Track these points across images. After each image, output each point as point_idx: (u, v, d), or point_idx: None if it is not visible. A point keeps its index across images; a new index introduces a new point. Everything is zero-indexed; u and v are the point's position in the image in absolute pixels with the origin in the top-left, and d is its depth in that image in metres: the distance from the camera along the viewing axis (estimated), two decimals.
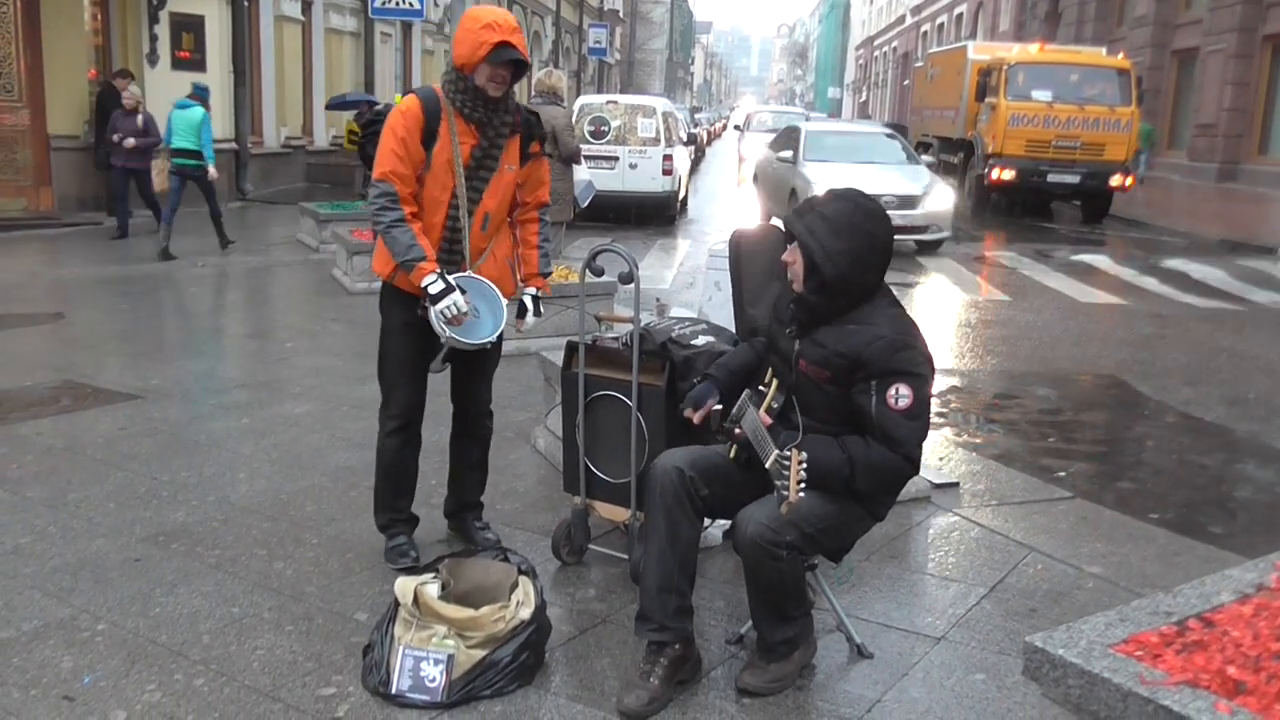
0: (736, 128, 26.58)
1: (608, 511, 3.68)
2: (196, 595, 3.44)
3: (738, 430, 2.90)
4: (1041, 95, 18.34)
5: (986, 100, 19.19)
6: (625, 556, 3.64)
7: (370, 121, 3.43)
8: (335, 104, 17.36)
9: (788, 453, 2.52)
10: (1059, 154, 18.23)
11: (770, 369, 3.02)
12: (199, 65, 15.34)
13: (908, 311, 2.91)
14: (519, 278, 3.75)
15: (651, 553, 2.89)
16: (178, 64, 15.12)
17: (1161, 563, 3.87)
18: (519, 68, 3.39)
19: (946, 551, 3.93)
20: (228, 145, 15.85)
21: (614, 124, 15.52)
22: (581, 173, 10.14)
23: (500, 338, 3.60)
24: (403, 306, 3.52)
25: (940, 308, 9.98)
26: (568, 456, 3.78)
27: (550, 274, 3.81)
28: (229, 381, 6.29)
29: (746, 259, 3.94)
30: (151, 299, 8.94)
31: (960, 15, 50.63)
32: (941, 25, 54.82)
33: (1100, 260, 13.58)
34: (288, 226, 13.50)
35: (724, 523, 3.46)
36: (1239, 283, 11.78)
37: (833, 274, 2.77)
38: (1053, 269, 12.49)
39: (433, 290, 3.34)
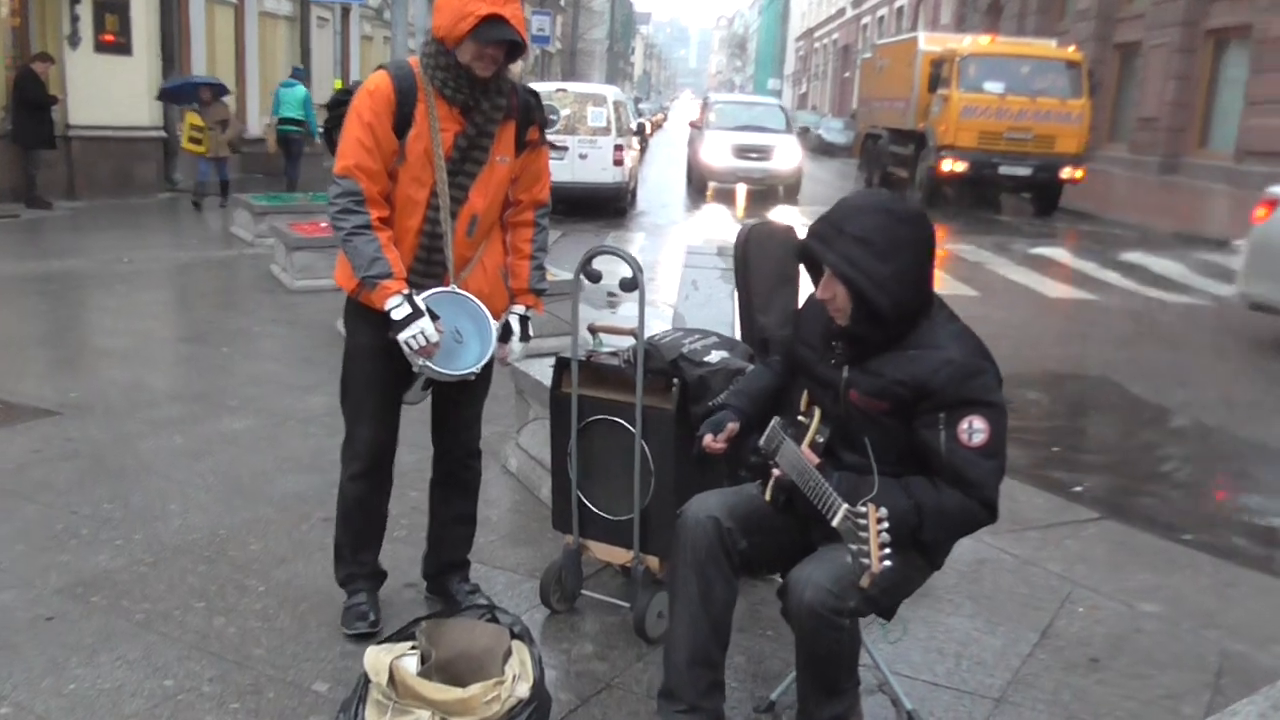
0: (693, 125, 22.98)
1: (605, 553, 3.20)
2: (121, 664, 2.89)
3: (775, 469, 2.44)
4: (994, 87, 18.17)
5: (939, 92, 18.97)
6: (625, 604, 3.16)
7: (337, 103, 2.89)
8: (169, 92, 14.41)
9: (862, 509, 2.06)
10: (1011, 146, 18.09)
11: (805, 394, 2.56)
12: (124, 49, 14.50)
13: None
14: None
15: (681, 618, 2.43)
16: (101, 47, 14.27)
17: (1217, 596, 3.50)
18: (514, 48, 2.81)
19: (981, 587, 3.51)
20: (155, 133, 15.04)
21: (563, 113, 14.98)
22: None
23: (491, 362, 3.04)
24: (371, 325, 2.91)
25: None
26: (558, 489, 3.29)
27: (545, 290, 3.18)
28: (159, 393, 5.68)
29: (755, 260, 3.48)
30: (72, 299, 8.22)
31: (901, 8, 50.75)
32: (882, 18, 54.93)
33: (1059, 254, 13.39)
34: (220, 219, 12.78)
35: None
36: (1200, 277, 11.63)
37: (888, 305, 2.31)
38: (1015, 263, 12.23)
39: (396, 316, 2.77)
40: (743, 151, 19.37)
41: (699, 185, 20.26)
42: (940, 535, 2.31)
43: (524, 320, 3.10)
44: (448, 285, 2.93)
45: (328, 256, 8.52)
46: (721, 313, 5.82)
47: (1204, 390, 6.65)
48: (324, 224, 9.17)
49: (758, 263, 3.46)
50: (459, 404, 3.13)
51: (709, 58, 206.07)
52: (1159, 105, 25.58)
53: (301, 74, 16.12)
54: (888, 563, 2.01)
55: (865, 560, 2.01)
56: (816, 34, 77.14)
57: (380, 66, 3.01)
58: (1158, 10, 25.67)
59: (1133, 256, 13.03)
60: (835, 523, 2.15)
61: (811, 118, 33.44)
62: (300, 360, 6.39)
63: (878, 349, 2.38)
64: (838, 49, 66.49)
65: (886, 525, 2.03)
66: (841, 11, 65.74)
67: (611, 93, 16.47)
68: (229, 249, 10.87)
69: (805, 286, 3.18)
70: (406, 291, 2.80)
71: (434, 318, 2.82)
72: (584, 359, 3.13)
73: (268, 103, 19.26)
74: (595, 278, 3.04)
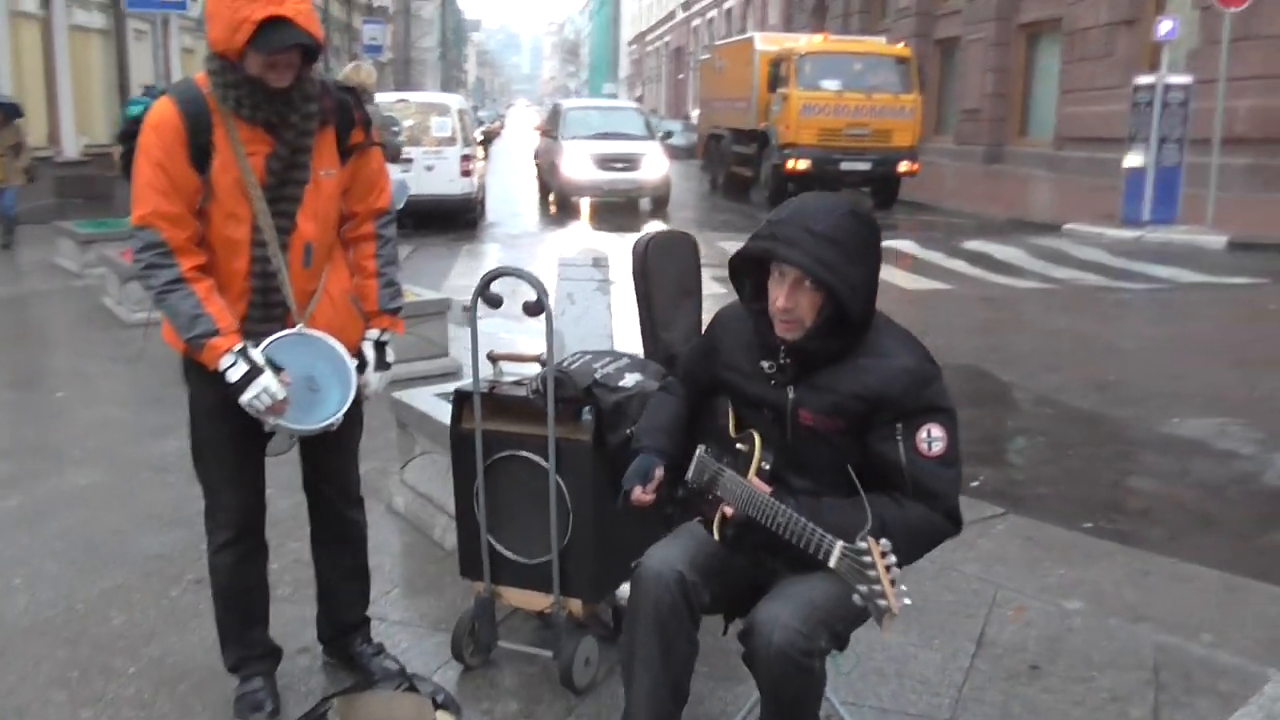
0: (546, 133, 21.19)
1: (520, 599, 2.96)
2: None
3: (722, 504, 2.26)
4: (830, 85, 18.57)
5: (778, 91, 19.26)
6: (546, 652, 2.92)
7: (128, 134, 2.42)
8: None
9: (862, 544, 1.90)
10: (851, 142, 18.52)
11: (731, 418, 2.39)
12: None
13: None
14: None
15: (641, 681, 2.21)
16: None
17: (1136, 586, 3.50)
18: (308, 51, 2.45)
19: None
20: None
21: (405, 124, 14.51)
22: (395, 173, 9.26)
23: (359, 402, 2.74)
24: (213, 382, 2.53)
25: None
26: (464, 534, 3.02)
27: (400, 309, 2.84)
28: None
29: (656, 271, 3.30)
30: None
31: (730, 10, 51.70)
32: (712, 20, 55.85)
33: (906, 245, 13.70)
34: (40, 249, 11.81)
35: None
36: (1041, 261, 12.07)
37: (859, 311, 2.17)
38: None
39: (232, 377, 2.43)
40: (606, 162, 17.70)
41: (560, 201, 18.60)
42: (910, 553, 2.18)
43: (381, 346, 2.78)
44: (292, 327, 2.59)
45: None
46: (599, 325, 5.63)
47: (1071, 374, 6.82)
48: None
49: (659, 275, 3.28)
50: (330, 450, 2.81)
51: (542, 64, 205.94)
52: (980, 97, 26.75)
53: (157, 92, 14.84)
54: (907, 600, 1.86)
55: (882, 602, 1.85)
56: (648, 37, 77.88)
57: (162, 92, 2.66)
58: (973, 7, 26.84)
59: (974, 245, 13.46)
60: (832, 563, 1.97)
61: (673, 124, 32.93)
62: (148, 401, 5.87)
63: (825, 363, 2.23)
64: (670, 51, 67.31)
65: (894, 560, 1.88)
66: (672, 15, 66.57)
67: (455, 101, 16.09)
68: (52, 282, 10.06)
69: (714, 301, 3.03)
70: (239, 346, 2.47)
71: (277, 369, 2.50)
72: (486, 391, 2.89)
73: (85, 122, 18.12)
74: (496, 303, 2.80)
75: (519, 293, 2.84)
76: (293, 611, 3.23)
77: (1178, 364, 6.92)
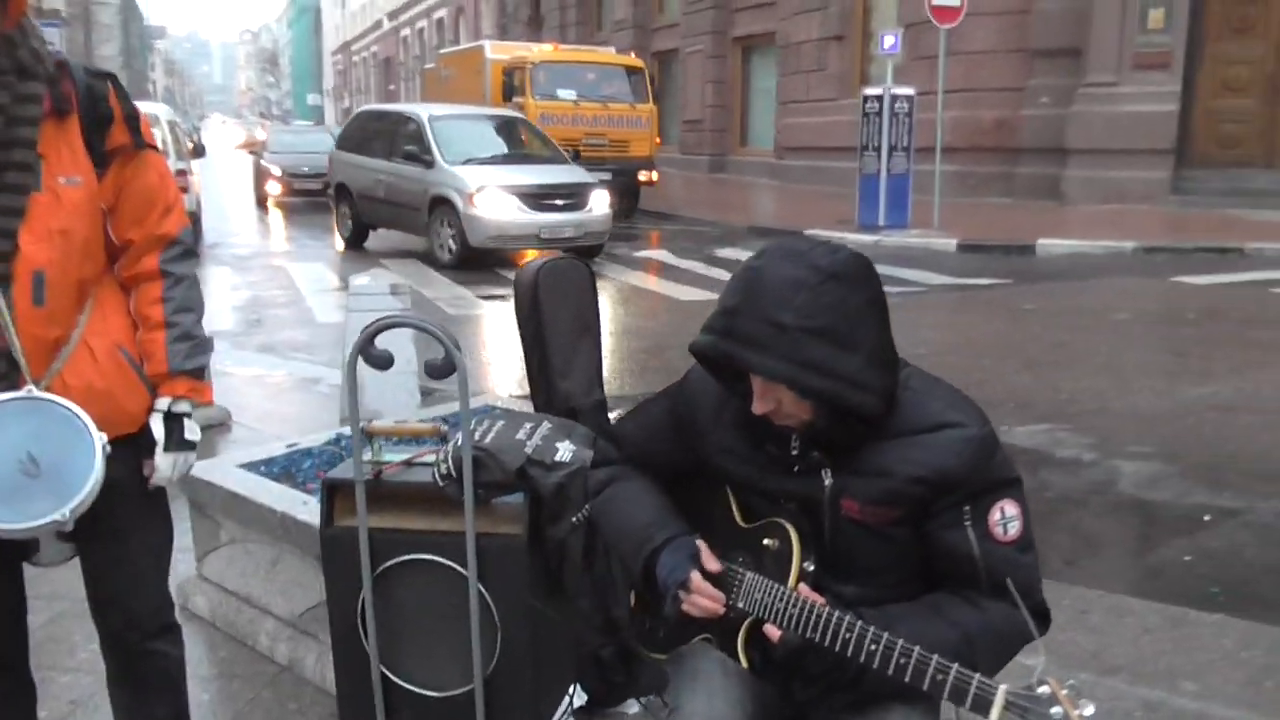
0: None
1: None
2: None
3: (767, 625, 1.72)
4: (566, 94, 18.34)
5: (514, 100, 18.79)
6: None
7: None
8: None
9: (1042, 689, 1.42)
10: (590, 152, 18.30)
11: (734, 506, 1.87)
12: None
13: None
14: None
15: None
16: None
17: (1082, 628, 3.25)
18: None
19: None
20: None
21: None
22: None
23: (161, 499, 2.05)
24: None
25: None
26: (343, 665, 2.31)
27: (203, 369, 2.10)
28: None
29: (550, 308, 2.70)
30: None
31: (441, 20, 50.73)
32: (422, 30, 54.63)
33: (662, 255, 13.60)
34: None
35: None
36: None
37: (874, 402, 1.67)
38: (628, 267, 12.23)
39: None
40: (541, 200, 12.21)
41: (461, 257, 12.16)
42: (996, 661, 1.73)
43: (176, 419, 2.03)
44: (23, 388, 1.85)
45: None
46: (400, 361, 4.86)
47: None
48: None
49: (553, 312, 2.69)
50: (108, 559, 2.05)
51: (236, 73, 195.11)
52: (700, 109, 27.50)
53: None
54: None
55: None
56: (354, 47, 75.32)
57: None
58: (689, 20, 27.55)
59: (727, 252, 13.51)
60: (994, 715, 1.47)
61: None
62: None
63: (860, 442, 1.74)
64: (379, 61, 65.36)
65: (1090, 712, 1.41)
66: (379, 24, 64.67)
67: (164, 111, 14.47)
68: None
69: (627, 336, 2.47)
70: None
71: None
72: (372, 477, 2.20)
73: None
74: (384, 363, 2.13)
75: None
76: None
77: (974, 368, 6.99)
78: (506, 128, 14.84)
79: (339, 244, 14.98)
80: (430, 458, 2.23)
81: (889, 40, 14.62)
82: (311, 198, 20.29)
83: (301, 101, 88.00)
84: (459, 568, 2.15)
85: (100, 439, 1.85)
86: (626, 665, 2.21)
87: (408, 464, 2.24)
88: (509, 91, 19.09)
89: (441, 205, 12.37)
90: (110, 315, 1.99)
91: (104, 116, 1.90)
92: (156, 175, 2.04)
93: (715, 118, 27.26)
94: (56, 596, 3.13)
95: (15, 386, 1.82)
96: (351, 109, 73.39)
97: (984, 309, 9.67)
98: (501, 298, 10.24)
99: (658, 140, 20.16)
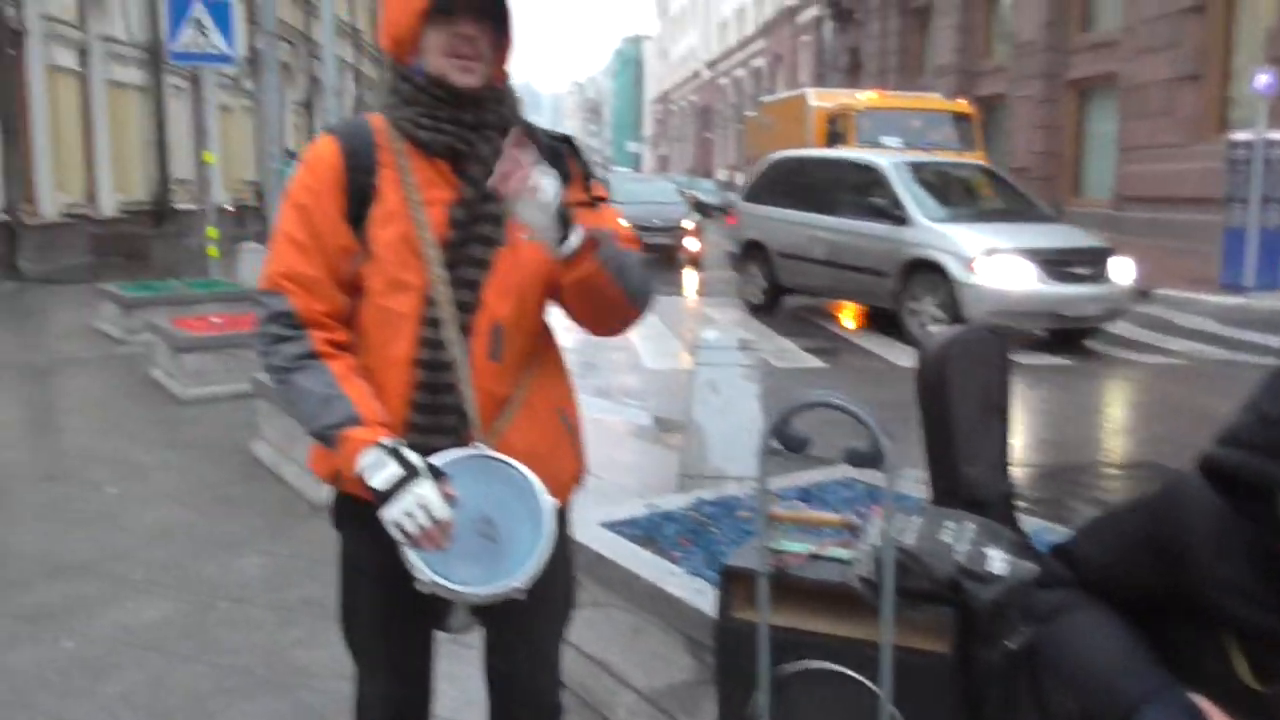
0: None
1: None
2: None
3: None
4: (891, 141, 17.96)
5: (836, 148, 18.63)
6: None
7: None
8: None
9: None
10: None
11: (1224, 656, 1.52)
12: None
13: None
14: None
15: None
16: None
17: None
18: (499, 21, 1.82)
19: None
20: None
21: None
22: None
23: (569, 575, 2.00)
24: (368, 531, 1.79)
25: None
26: None
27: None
28: (27, 564, 4.27)
29: (957, 383, 2.44)
30: None
31: (758, 69, 51.54)
32: (739, 79, 55.73)
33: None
34: (78, 312, 11.06)
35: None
36: (1148, 330, 11.11)
37: None
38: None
39: (378, 482, 1.67)
40: (1061, 268, 9.82)
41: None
42: None
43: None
44: (471, 445, 1.81)
45: (225, 358, 7.17)
46: (745, 419, 4.78)
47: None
48: (216, 319, 7.80)
49: (961, 388, 2.43)
50: (516, 633, 2.00)
51: (563, 122, 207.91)
52: (1028, 156, 26.11)
53: (294, 155, 17.39)
54: None
55: None
56: (672, 96, 78.07)
57: (325, 128, 1.96)
58: (1019, 63, 26.31)
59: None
60: None
61: (704, 183, 30.28)
62: (215, 500, 5.05)
63: None
64: (696, 110, 67.29)
65: None
66: (697, 74, 66.67)
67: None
68: (93, 349, 9.27)
69: (1035, 416, 2.16)
70: (388, 443, 1.71)
71: (437, 475, 1.71)
72: (775, 570, 2.02)
73: (122, 179, 17.57)
74: (799, 445, 1.95)
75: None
76: None
77: None
78: (977, 178, 12.34)
79: (737, 307, 13.05)
80: (837, 551, 2.02)
81: (1263, 79, 13.17)
82: (659, 254, 18.38)
83: (620, 149, 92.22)
84: (870, 684, 1.92)
85: (551, 504, 1.79)
86: None
87: (813, 557, 2.05)
88: (832, 139, 18.99)
89: (923, 271, 9.97)
90: (553, 375, 1.99)
91: (564, 176, 1.88)
92: (613, 225, 2.01)
93: (1045, 165, 25.82)
94: None
95: (462, 443, 1.81)
96: (668, 156, 76.03)
97: None
98: (828, 352, 9.99)
99: None
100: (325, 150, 1.84)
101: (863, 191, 11.12)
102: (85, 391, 7.81)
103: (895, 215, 10.45)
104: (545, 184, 1.72)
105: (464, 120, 1.82)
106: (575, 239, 1.76)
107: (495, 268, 1.84)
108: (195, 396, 7.06)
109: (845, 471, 3.90)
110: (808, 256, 11.70)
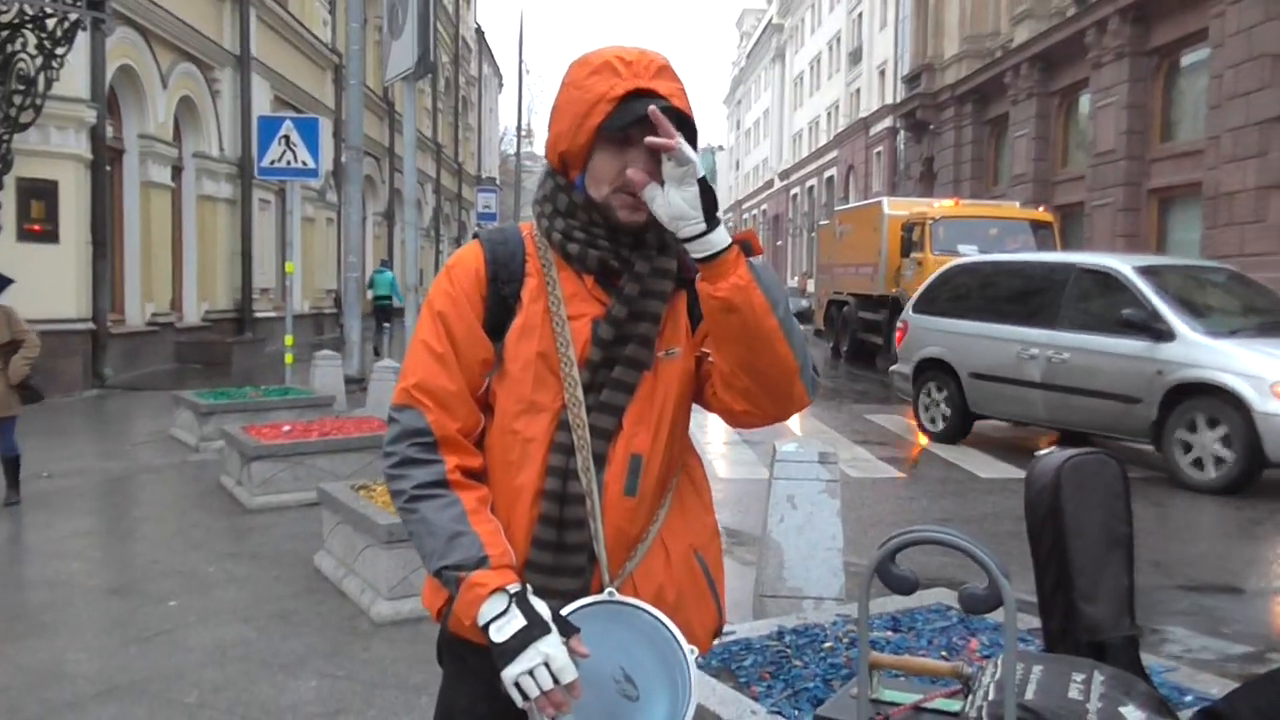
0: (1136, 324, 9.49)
1: None
2: None
3: None
4: (967, 249, 17.76)
5: (911, 255, 18.50)
6: None
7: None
8: None
9: None
10: None
11: None
12: (50, 236, 13.20)
13: None
14: None
15: None
16: (25, 236, 12.96)
17: None
18: (685, 129, 1.62)
19: None
20: (83, 325, 13.57)
21: None
22: None
23: None
24: (477, 678, 1.64)
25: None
26: None
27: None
28: (80, 685, 4.14)
29: (1073, 511, 2.20)
30: None
31: (831, 178, 51.92)
32: (812, 188, 56.17)
33: None
34: (157, 418, 11.23)
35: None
36: None
37: None
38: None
39: (498, 635, 1.50)
40: None
41: (1234, 477, 8.07)
42: None
43: None
44: (599, 591, 1.62)
45: (294, 466, 7.11)
46: (824, 537, 4.52)
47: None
48: (286, 427, 7.78)
49: (1078, 517, 2.19)
50: None
51: None
52: None
53: (388, 263, 23.15)
54: None
55: None
56: (745, 205, 78.99)
57: (475, 234, 1.83)
58: (1097, 172, 26.03)
59: None
60: None
61: None
62: (274, 617, 4.90)
63: None
64: (768, 219, 67.86)
65: None
66: (770, 183, 67.45)
67: None
68: (169, 456, 9.34)
69: (1151, 547, 1.91)
70: (515, 588, 1.52)
71: (568, 631, 1.52)
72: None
73: (207, 288, 18.05)
74: (908, 586, 1.72)
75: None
76: None
77: None
78: (1228, 284, 10.09)
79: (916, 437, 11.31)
80: (945, 703, 1.78)
81: None
82: None
83: None
84: None
85: (692, 653, 1.59)
86: None
87: (916, 709, 1.81)
88: (907, 247, 18.86)
89: (1196, 397, 8.26)
90: (689, 511, 1.78)
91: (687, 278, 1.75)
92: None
93: None
94: None
95: (588, 587, 1.63)
96: None
97: None
98: (898, 461, 9.66)
99: None
100: (470, 256, 1.73)
101: (1094, 300, 9.44)
102: (157, 500, 7.80)
103: (1154, 329, 8.59)
104: (688, 152, 1.56)
105: (620, 239, 1.69)
106: (723, 234, 1.59)
107: (638, 390, 1.68)
108: (262, 505, 6.99)
109: (937, 596, 3.64)
110: (1015, 378, 9.89)
